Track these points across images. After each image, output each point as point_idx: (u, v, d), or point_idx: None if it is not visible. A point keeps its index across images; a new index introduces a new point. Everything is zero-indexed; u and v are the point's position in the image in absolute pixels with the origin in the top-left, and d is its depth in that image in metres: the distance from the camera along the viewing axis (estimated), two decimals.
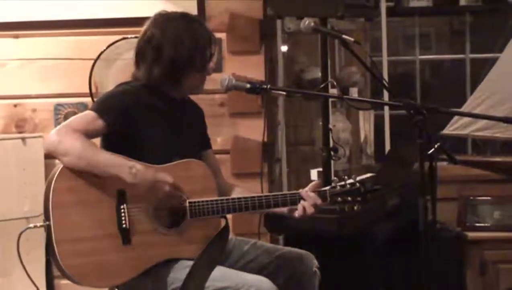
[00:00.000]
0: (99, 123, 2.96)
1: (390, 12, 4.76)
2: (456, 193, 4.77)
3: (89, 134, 2.95)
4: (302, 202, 3.06)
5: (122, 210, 2.91)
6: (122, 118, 2.99)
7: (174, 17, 3.13)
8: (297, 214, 3.07)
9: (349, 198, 3.07)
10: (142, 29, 3.14)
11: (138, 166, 2.90)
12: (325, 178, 3.99)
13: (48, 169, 4.31)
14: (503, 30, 4.92)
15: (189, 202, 2.99)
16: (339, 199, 3.07)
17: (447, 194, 4.56)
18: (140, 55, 3.12)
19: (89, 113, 2.98)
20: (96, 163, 2.88)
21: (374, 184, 3.12)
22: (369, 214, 3.84)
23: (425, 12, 5.22)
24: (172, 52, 3.05)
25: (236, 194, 3.19)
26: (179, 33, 3.07)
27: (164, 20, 3.11)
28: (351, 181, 3.08)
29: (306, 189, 3.08)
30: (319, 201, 3.05)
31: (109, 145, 3.04)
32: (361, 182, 3.08)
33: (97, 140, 3.08)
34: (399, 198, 4.05)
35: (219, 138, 4.37)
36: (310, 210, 3.05)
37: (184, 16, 3.17)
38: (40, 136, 4.35)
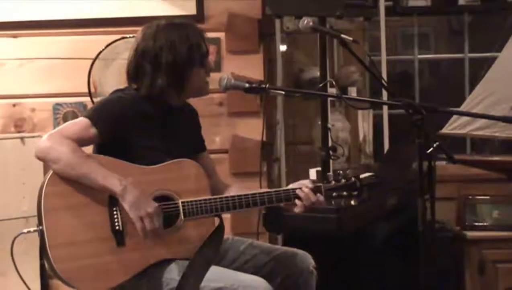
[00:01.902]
0: (92, 131, 2.95)
1: (389, 11, 4.76)
2: (455, 193, 4.77)
3: (81, 142, 2.94)
4: (297, 201, 3.05)
5: (115, 212, 2.90)
6: (116, 127, 2.98)
7: (160, 25, 3.11)
8: (296, 210, 3.06)
9: (345, 193, 3.06)
10: (133, 44, 3.12)
11: (127, 182, 2.88)
12: (324, 177, 3.99)
13: (46, 169, 4.30)
14: (502, 30, 4.92)
15: (182, 202, 2.98)
16: (334, 194, 3.06)
17: (446, 194, 4.56)
18: (137, 70, 3.09)
19: (83, 121, 2.96)
20: (85, 173, 2.86)
21: (369, 177, 3.11)
22: (368, 213, 3.84)
23: (423, 11, 5.22)
24: (170, 57, 3.04)
25: (231, 193, 3.17)
26: (170, 38, 3.06)
27: (152, 31, 3.10)
28: (346, 175, 3.06)
29: (302, 187, 3.07)
30: (314, 198, 3.05)
31: (102, 151, 3.02)
32: (356, 176, 3.07)
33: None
34: (398, 198, 4.05)
35: (217, 138, 4.37)
36: (308, 203, 3.04)
37: (170, 21, 3.16)
38: (39, 136, 4.34)
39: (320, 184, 3.07)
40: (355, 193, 3.05)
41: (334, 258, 3.84)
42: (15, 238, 3.00)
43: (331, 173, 3.11)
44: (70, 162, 2.86)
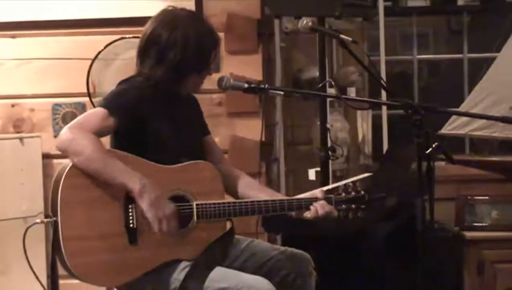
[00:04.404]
0: (110, 121, 2.94)
1: (388, 11, 4.75)
2: (454, 193, 4.76)
3: (101, 133, 2.93)
4: (311, 207, 3.06)
5: (130, 210, 2.90)
6: (132, 115, 2.97)
7: (181, 17, 3.09)
8: (308, 215, 3.07)
9: (353, 206, 3.08)
10: (148, 26, 3.10)
11: (147, 182, 2.87)
12: (323, 177, 3.99)
13: (46, 169, 4.31)
14: (501, 30, 4.92)
15: (197, 204, 2.98)
16: (343, 206, 3.08)
17: (445, 194, 4.55)
18: (144, 53, 3.09)
19: (101, 111, 2.95)
20: (106, 168, 2.85)
21: (378, 191, 3.13)
22: (368, 214, 3.83)
23: (423, 11, 5.22)
24: (178, 57, 3.03)
25: (242, 188, 3.19)
26: (186, 37, 3.04)
27: (171, 19, 3.08)
28: (356, 188, 3.08)
29: (315, 197, 3.08)
30: (328, 208, 3.05)
31: (119, 142, 3.03)
32: (366, 190, 3.09)
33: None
34: (397, 198, 4.04)
35: (216, 138, 4.33)
36: (321, 212, 3.06)
37: (191, 16, 3.15)
38: (38, 136, 4.34)
39: (331, 195, 3.09)
40: (363, 206, 3.07)
41: (333, 258, 3.84)
42: (27, 228, 2.97)
43: (341, 185, 3.12)
44: (92, 156, 2.85)
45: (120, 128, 2.97)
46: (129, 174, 2.86)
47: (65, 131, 2.89)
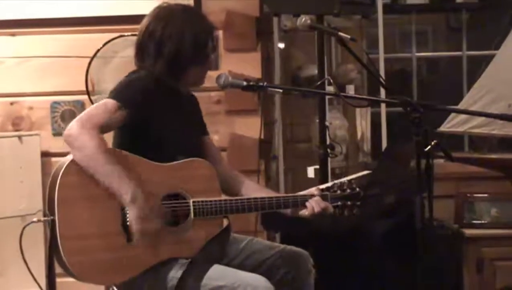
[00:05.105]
0: (121, 114, 2.93)
1: (387, 9, 4.76)
2: (453, 190, 4.77)
3: (110, 126, 2.93)
4: (307, 204, 3.06)
5: (127, 208, 2.90)
6: (141, 106, 2.97)
7: (175, 11, 3.12)
8: (306, 212, 3.07)
9: (349, 203, 3.09)
10: (144, 22, 3.12)
11: (140, 194, 2.86)
12: (322, 175, 3.99)
13: (44, 167, 4.30)
14: (500, 27, 4.92)
15: (193, 202, 2.98)
16: (338, 203, 3.09)
17: (444, 191, 4.56)
18: (142, 50, 3.10)
19: (111, 104, 2.94)
20: (103, 171, 2.84)
21: (373, 188, 3.13)
22: (363, 211, 3.83)
23: (422, 9, 5.24)
24: (174, 49, 3.04)
25: (245, 191, 3.20)
26: (180, 29, 3.05)
27: (165, 14, 3.10)
28: (351, 185, 3.09)
29: (311, 194, 3.09)
30: (324, 205, 3.06)
31: (122, 136, 3.03)
32: (361, 186, 3.09)
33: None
34: (396, 196, 4.04)
35: (215, 136, 4.36)
36: (317, 209, 3.06)
37: (185, 10, 3.17)
38: (36, 135, 4.34)
39: (327, 193, 3.10)
40: (359, 203, 3.08)
41: (332, 256, 3.84)
42: (24, 227, 2.96)
43: (337, 182, 3.13)
44: (92, 156, 2.83)
45: (129, 120, 2.96)
46: (123, 181, 2.85)
47: (73, 125, 2.88)
